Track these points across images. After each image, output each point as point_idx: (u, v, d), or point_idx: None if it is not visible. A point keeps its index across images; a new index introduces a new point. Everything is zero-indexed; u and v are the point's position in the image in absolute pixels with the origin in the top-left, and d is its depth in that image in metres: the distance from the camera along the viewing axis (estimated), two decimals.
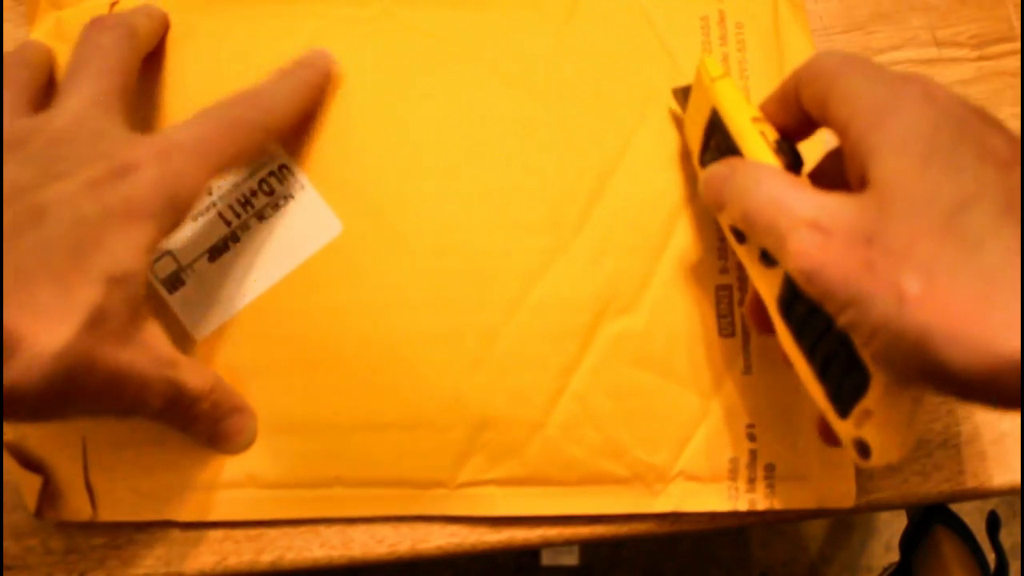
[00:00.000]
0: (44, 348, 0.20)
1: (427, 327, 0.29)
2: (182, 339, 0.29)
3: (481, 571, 0.89)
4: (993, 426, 0.30)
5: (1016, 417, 0.30)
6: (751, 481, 0.29)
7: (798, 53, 0.31)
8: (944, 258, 0.18)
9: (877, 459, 0.22)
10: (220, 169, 0.26)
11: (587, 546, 0.90)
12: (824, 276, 0.19)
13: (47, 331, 0.20)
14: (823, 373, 0.23)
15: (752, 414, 0.29)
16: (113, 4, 0.32)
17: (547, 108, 0.30)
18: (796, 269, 0.20)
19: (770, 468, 0.29)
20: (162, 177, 0.23)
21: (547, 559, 0.87)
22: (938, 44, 0.32)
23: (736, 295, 0.29)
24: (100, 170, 0.22)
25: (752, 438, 0.29)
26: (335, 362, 0.29)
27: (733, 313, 0.29)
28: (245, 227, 0.30)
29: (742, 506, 0.29)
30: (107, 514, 0.29)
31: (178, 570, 0.29)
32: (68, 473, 0.29)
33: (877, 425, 0.21)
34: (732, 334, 0.29)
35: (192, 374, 0.26)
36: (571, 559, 0.88)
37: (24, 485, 0.29)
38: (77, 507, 0.29)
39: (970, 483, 0.30)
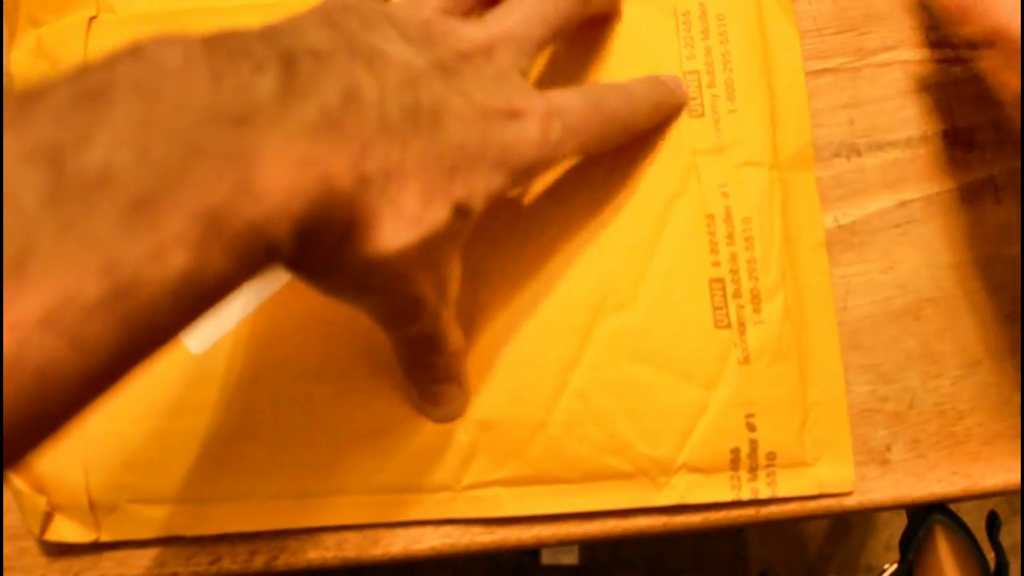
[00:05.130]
0: (385, 245, 0.20)
1: None
2: (179, 355, 0.29)
3: (481, 571, 0.90)
4: (986, 427, 0.30)
5: (1010, 418, 0.30)
6: (753, 470, 0.29)
7: (783, 42, 0.31)
8: None
9: None
10: (579, 152, 0.26)
11: (587, 545, 0.90)
12: None
13: (395, 231, 0.20)
14: None
15: (751, 404, 0.29)
16: (91, 19, 0.32)
17: None
18: None
19: (771, 456, 0.29)
20: (540, 140, 0.24)
21: (547, 558, 0.88)
22: (931, 45, 0.32)
23: (730, 287, 0.29)
24: (497, 106, 0.23)
25: (752, 428, 0.29)
26: (336, 370, 0.29)
27: (727, 305, 0.29)
28: None
29: (745, 495, 0.29)
30: (111, 535, 0.29)
31: (172, 571, 0.29)
32: (71, 496, 0.29)
33: None
34: (728, 325, 0.29)
35: (453, 331, 0.26)
36: (571, 558, 0.88)
37: (27, 508, 0.29)
38: (81, 530, 0.29)
39: (963, 484, 0.30)
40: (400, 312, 0.24)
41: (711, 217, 0.30)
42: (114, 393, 0.27)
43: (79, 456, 0.29)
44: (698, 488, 0.29)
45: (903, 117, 0.32)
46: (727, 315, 0.29)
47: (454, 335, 0.27)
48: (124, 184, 0.15)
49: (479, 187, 0.22)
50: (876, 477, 0.30)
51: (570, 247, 0.30)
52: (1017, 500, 0.87)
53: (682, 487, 0.29)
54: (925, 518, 0.50)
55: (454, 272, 0.24)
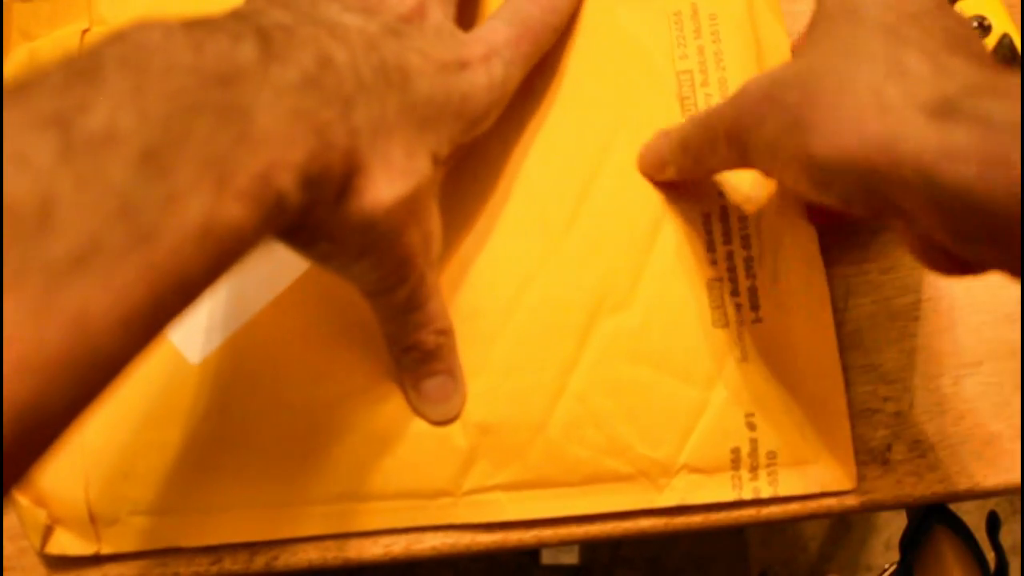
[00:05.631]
0: (382, 197, 0.21)
1: None
2: (177, 365, 0.29)
3: (481, 570, 0.90)
4: (986, 427, 0.30)
5: (1010, 418, 0.30)
6: (754, 469, 0.29)
7: (773, 40, 0.31)
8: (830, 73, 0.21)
9: None
10: (523, 74, 0.27)
11: (587, 545, 0.90)
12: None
13: (389, 183, 0.21)
14: None
15: (751, 403, 0.29)
16: (85, 32, 0.32)
17: (528, 114, 0.31)
18: None
19: (772, 455, 0.29)
20: (488, 84, 0.25)
21: (547, 558, 0.88)
22: None
23: (727, 286, 0.30)
24: (447, 58, 0.24)
25: (752, 427, 0.29)
26: (335, 377, 0.29)
27: (725, 304, 0.29)
28: None
29: (747, 494, 0.29)
30: (111, 547, 0.29)
31: (174, 571, 0.29)
32: (71, 509, 0.29)
33: None
34: (726, 325, 0.29)
35: (439, 301, 0.27)
36: (571, 558, 0.88)
37: (28, 521, 0.29)
38: (81, 542, 0.29)
39: (964, 484, 0.30)
40: (391, 272, 0.24)
41: (707, 216, 0.30)
42: (113, 401, 0.27)
43: (79, 468, 0.29)
44: (699, 488, 0.29)
45: None
46: (725, 314, 0.29)
47: (439, 306, 0.27)
48: (130, 140, 0.15)
49: (446, 136, 0.24)
50: (876, 477, 0.30)
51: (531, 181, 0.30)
52: (1017, 500, 0.87)
53: (683, 488, 0.29)
54: (925, 518, 0.50)
55: (436, 227, 0.25)
